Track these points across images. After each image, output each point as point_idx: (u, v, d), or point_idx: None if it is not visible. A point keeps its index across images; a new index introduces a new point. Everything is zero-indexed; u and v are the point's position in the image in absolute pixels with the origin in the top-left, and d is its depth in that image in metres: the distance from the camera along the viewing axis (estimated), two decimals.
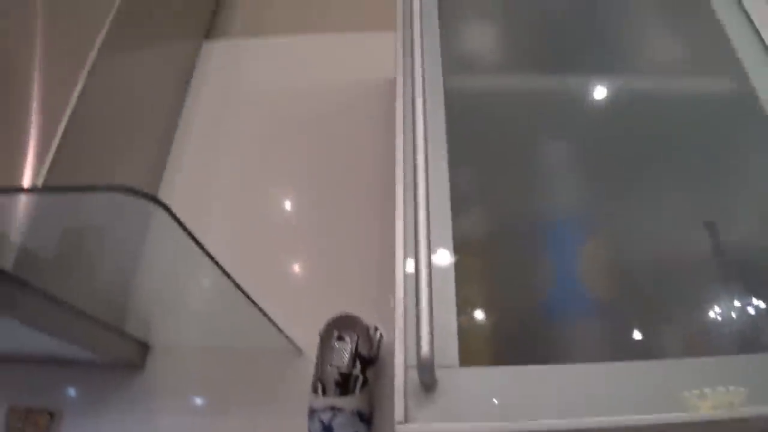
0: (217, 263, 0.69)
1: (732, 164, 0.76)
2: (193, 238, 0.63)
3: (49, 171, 0.90)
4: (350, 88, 1.42)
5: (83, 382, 1.05)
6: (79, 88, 0.98)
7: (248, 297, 0.78)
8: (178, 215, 0.59)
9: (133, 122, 1.19)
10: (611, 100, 0.84)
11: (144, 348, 1.07)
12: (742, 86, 0.78)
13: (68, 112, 0.96)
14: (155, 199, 0.55)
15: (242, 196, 1.28)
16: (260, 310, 0.83)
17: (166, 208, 0.57)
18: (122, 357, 1.02)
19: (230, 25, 1.62)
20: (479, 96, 0.86)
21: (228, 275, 0.72)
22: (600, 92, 0.85)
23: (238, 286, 0.75)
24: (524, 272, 0.70)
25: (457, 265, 0.65)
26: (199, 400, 1.03)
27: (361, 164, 1.29)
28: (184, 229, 0.61)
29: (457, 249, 0.66)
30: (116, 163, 1.11)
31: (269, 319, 0.87)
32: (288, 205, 1.27)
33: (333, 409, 0.91)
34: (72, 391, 1.04)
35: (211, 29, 1.59)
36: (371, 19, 1.54)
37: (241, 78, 1.49)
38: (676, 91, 0.84)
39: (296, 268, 1.18)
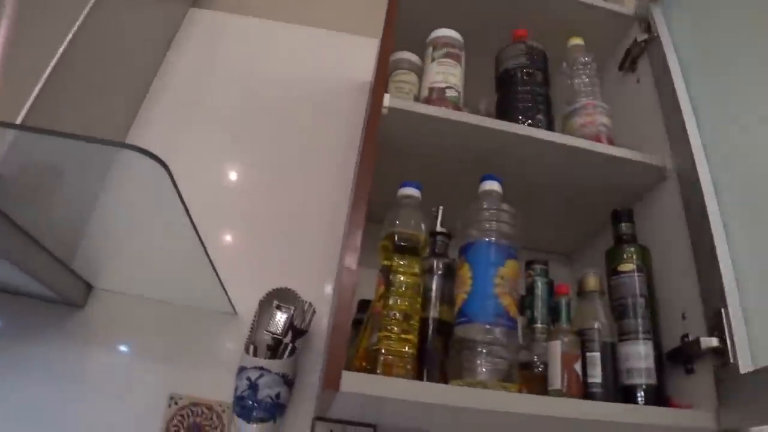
0: (190, 217, 0.77)
1: None
2: (180, 197, 0.71)
3: (30, 109, 0.95)
4: (322, 83, 1.51)
5: (20, 313, 1.08)
6: (70, 35, 1.03)
7: (207, 255, 0.86)
8: None
9: (113, 74, 1.23)
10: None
11: (87, 288, 1.12)
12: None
13: (57, 55, 1.00)
14: (160, 160, 0.63)
15: (202, 162, 1.34)
16: (212, 265, 0.91)
17: (167, 170, 0.65)
18: (65, 293, 1.06)
19: None
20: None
21: (195, 228, 0.80)
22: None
23: (201, 240, 0.83)
24: None
25: None
26: (132, 345, 1.10)
27: (320, 156, 1.38)
28: (177, 189, 0.69)
29: None
30: (91, 110, 1.16)
31: (217, 276, 0.95)
32: (245, 180, 1.35)
33: (261, 369, 1.00)
34: (7, 318, 1.08)
35: None
36: (353, 22, 1.63)
37: (219, 50, 1.54)
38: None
39: (244, 239, 1.26)
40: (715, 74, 1.03)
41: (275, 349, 1.03)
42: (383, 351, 0.78)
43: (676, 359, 0.89)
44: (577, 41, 1.15)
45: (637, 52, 1.16)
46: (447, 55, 1.03)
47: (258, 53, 1.56)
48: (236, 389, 1.01)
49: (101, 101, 1.20)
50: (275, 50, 1.57)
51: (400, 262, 0.83)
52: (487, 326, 0.80)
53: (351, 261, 0.79)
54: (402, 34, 1.06)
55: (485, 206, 0.87)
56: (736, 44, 1.02)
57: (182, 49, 1.52)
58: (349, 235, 0.81)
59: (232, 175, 1.35)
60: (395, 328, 0.79)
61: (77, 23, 1.04)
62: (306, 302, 1.07)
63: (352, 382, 0.71)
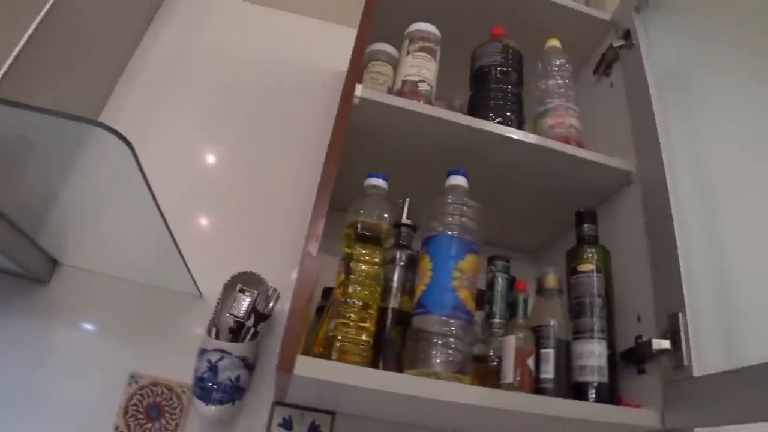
0: (153, 197, 0.77)
1: None
2: (143, 176, 0.71)
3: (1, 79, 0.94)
4: (300, 70, 1.51)
5: None
6: (45, 10, 1.02)
7: (171, 235, 0.86)
8: None
9: (88, 51, 1.22)
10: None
11: (52, 263, 1.11)
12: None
13: (30, 30, 0.99)
14: (124, 138, 0.64)
15: (175, 144, 1.33)
16: (176, 246, 0.91)
17: (132, 148, 0.65)
18: (30, 267, 1.05)
19: None
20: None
21: (159, 210, 0.80)
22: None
23: (165, 222, 0.83)
24: None
25: None
26: (96, 322, 1.10)
27: (294, 143, 1.38)
28: (140, 168, 0.69)
29: None
30: (63, 86, 1.15)
31: (182, 257, 0.95)
32: (218, 163, 1.34)
33: (222, 351, 1.01)
34: None
35: None
36: (335, 10, 1.62)
37: (198, 31, 1.53)
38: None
39: (213, 221, 1.26)
40: (686, 86, 1.05)
41: (237, 333, 1.04)
42: (340, 338, 0.79)
43: (629, 359, 0.91)
44: (553, 43, 1.16)
45: (612, 57, 1.17)
46: (422, 49, 1.03)
47: (237, 37, 1.55)
48: (196, 371, 1.02)
49: (75, 78, 1.19)
50: (254, 35, 1.56)
51: (361, 251, 0.84)
52: (444, 318, 0.81)
53: (312, 248, 0.80)
54: (382, 25, 1.07)
55: (450, 200, 0.88)
56: (709, 60, 1.05)
57: (161, 29, 1.50)
58: (312, 223, 0.81)
59: (205, 158, 1.35)
60: (353, 316, 0.80)
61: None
62: (271, 287, 1.08)
63: (305, 366, 0.72)
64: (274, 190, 1.31)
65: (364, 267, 0.83)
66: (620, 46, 1.15)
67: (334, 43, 1.54)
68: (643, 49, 1.09)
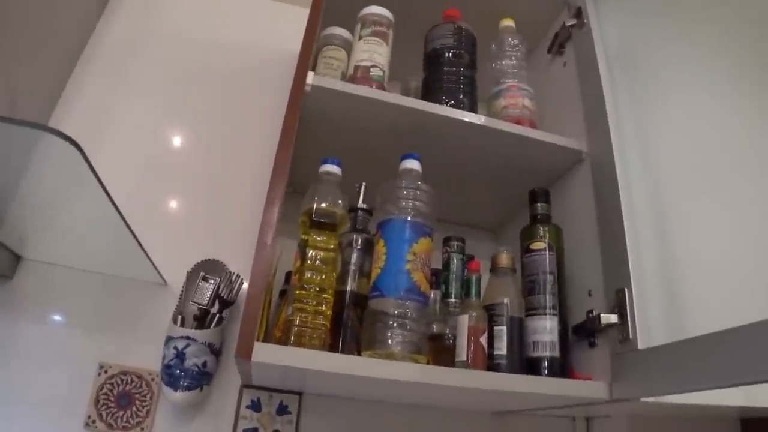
0: (108, 194, 0.78)
1: None
2: (96, 175, 0.72)
3: None
4: (260, 52, 1.51)
5: None
6: None
7: (130, 228, 0.87)
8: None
9: (42, 36, 1.20)
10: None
11: (15, 258, 1.12)
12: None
13: None
14: (73, 141, 0.64)
15: (135, 130, 1.32)
16: (136, 238, 0.92)
17: (81, 150, 0.66)
18: None
19: None
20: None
21: (115, 205, 0.81)
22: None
23: (122, 217, 0.84)
24: None
25: None
26: (62, 315, 1.11)
27: (256, 127, 1.39)
28: (92, 168, 0.70)
29: None
30: (17, 74, 1.13)
31: (142, 248, 0.96)
32: (179, 149, 1.34)
33: (188, 338, 1.02)
34: None
35: None
36: None
37: (155, 14, 1.51)
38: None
39: (177, 209, 1.27)
40: (636, 65, 1.06)
41: (202, 320, 1.06)
42: (296, 323, 0.81)
43: (580, 333, 0.95)
44: (508, 23, 1.18)
45: (565, 36, 1.19)
46: (374, 34, 1.04)
47: (195, 18, 1.53)
48: (164, 358, 1.04)
49: (29, 64, 1.17)
50: (213, 16, 1.55)
51: (316, 237, 0.86)
52: (398, 301, 0.83)
53: (266, 235, 0.81)
54: (340, 8, 1.08)
55: (403, 184, 0.90)
56: (658, 39, 1.06)
57: (116, 10, 1.47)
58: (266, 211, 0.83)
59: (165, 143, 1.34)
60: (309, 301, 0.82)
61: None
62: (234, 273, 1.10)
63: (263, 352, 0.74)
64: (236, 175, 1.32)
65: (318, 253, 0.85)
66: (572, 25, 1.17)
67: (295, 25, 1.52)
68: (594, 28, 1.11)
